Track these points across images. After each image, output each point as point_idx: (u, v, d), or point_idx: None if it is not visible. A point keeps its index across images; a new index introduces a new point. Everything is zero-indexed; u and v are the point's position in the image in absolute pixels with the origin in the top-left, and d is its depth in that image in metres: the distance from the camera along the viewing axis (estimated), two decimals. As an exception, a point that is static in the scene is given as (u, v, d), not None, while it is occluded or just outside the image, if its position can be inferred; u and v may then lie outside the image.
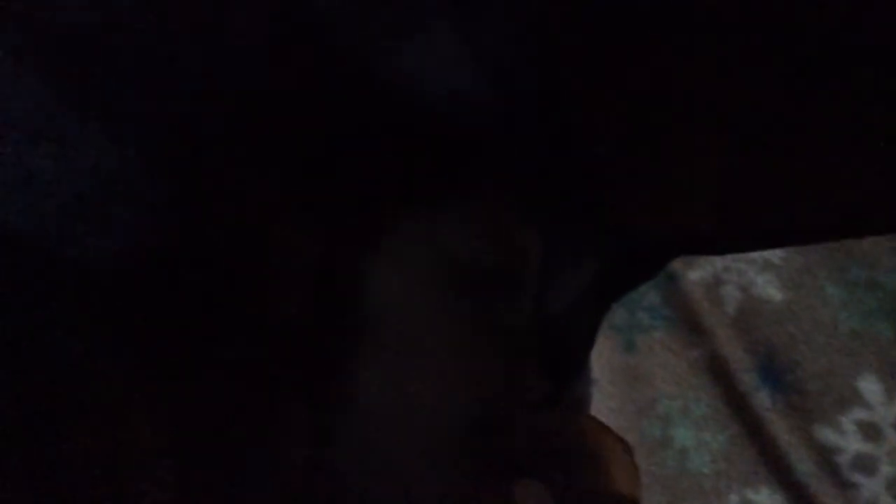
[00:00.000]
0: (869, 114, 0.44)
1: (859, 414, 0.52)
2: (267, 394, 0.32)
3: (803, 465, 0.51)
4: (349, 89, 0.32)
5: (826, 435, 0.52)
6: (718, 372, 0.55)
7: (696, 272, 0.56)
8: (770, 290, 0.55)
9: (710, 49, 0.42)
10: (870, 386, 0.52)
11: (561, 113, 0.42)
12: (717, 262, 0.56)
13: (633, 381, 0.55)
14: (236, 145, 0.29)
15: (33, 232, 0.24)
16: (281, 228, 0.32)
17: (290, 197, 0.32)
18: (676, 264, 0.57)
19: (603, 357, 0.55)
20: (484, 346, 0.39)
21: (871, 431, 0.51)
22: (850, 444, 0.51)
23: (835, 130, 0.47)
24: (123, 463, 0.26)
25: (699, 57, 0.43)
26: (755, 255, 0.56)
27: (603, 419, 0.54)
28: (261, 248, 0.31)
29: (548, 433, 0.41)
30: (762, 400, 0.53)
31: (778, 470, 0.52)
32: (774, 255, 0.55)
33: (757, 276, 0.55)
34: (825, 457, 0.51)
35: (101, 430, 0.25)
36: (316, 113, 0.31)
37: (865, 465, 0.51)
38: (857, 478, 0.51)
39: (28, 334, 0.24)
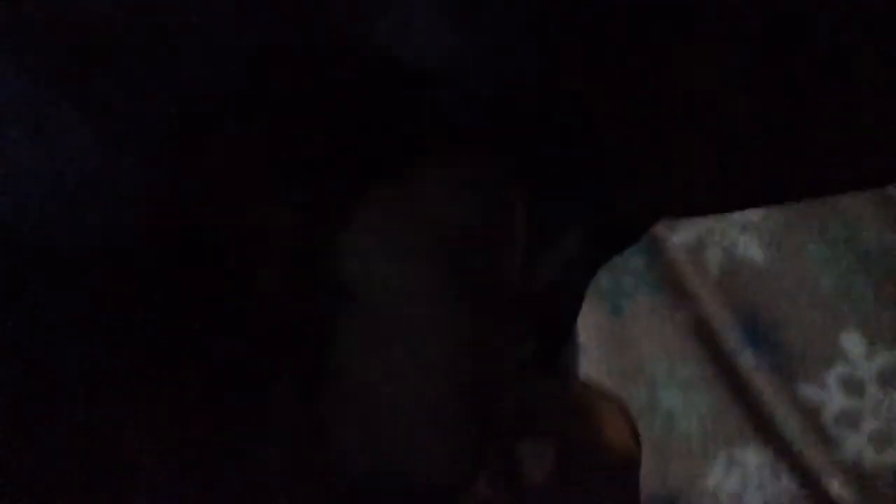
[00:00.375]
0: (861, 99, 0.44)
1: (842, 370, 0.52)
2: (252, 371, 0.31)
3: (788, 422, 0.52)
4: (324, 56, 0.31)
5: (810, 392, 0.52)
6: (703, 334, 0.55)
7: (680, 235, 0.56)
8: (752, 250, 0.55)
9: (708, 34, 0.42)
10: (852, 342, 0.52)
11: (550, 78, 0.42)
12: (700, 224, 0.56)
13: (620, 345, 0.55)
14: (212, 122, 0.28)
15: (12, 220, 0.24)
16: (257, 202, 0.31)
17: (264, 169, 0.31)
18: (659, 228, 0.57)
19: (589, 322, 0.55)
20: (471, 304, 0.38)
21: (853, 387, 0.52)
22: (834, 399, 0.52)
23: (826, 114, 0.47)
24: (110, 447, 0.25)
25: (697, 41, 0.43)
26: (736, 215, 0.56)
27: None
28: (239, 225, 0.31)
29: (546, 396, 0.41)
30: (747, 360, 0.53)
31: (764, 428, 0.53)
32: (755, 214, 0.55)
33: (738, 237, 0.56)
34: (809, 414, 0.52)
35: (80, 415, 0.25)
36: (287, 81, 0.30)
37: (849, 420, 0.52)
38: (842, 433, 0.52)
39: (3, 322, 0.24)
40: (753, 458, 0.52)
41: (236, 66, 0.28)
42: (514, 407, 0.42)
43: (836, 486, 0.50)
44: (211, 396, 0.30)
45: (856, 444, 0.51)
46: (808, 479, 0.51)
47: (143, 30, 0.24)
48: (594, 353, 0.54)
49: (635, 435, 0.49)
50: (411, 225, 0.37)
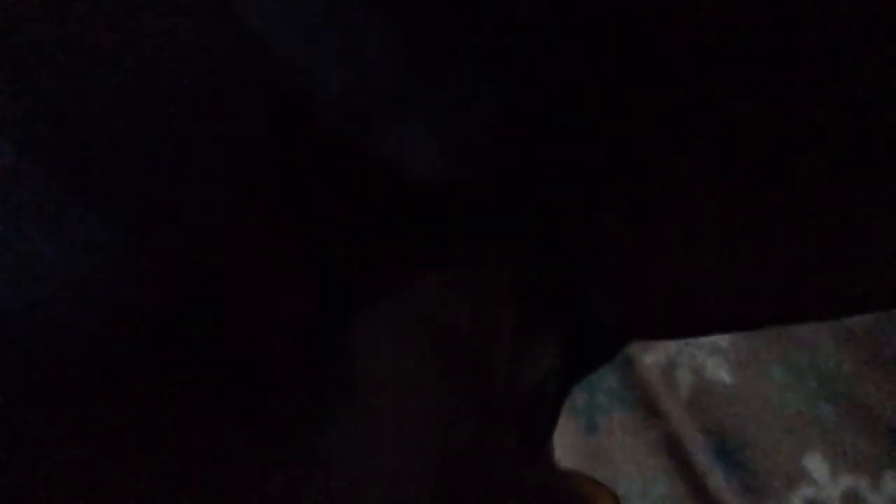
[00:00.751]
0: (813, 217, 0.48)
1: (807, 491, 0.54)
2: (243, 449, 0.32)
3: (759, 543, 0.53)
4: (333, 162, 0.33)
5: (778, 513, 0.54)
6: (674, 452, 0.57)
7: (651, 356, 0.60)
8: (720, 373, 0.58)
9: (683, 159, 0.47)
10: (815, 464, 0.55)
11: (532, 199, 0.46)
12: (671, 347, 0.60)
13: (595, 461, 0.57)
14: (225, 218, 0.30)
15: (24, 313, 0.25)
16: (267, 294, 0.33)
17: (276, 263, 0.33)
18: (632, 348, 0.60)
19: (565, 438, 0.58)
20: (460, 412, 0.41)
21: (819, 509, 0.54)
22: (802, 521, 0.54)
23: (781, 238, 0.51)
24: None
25: (667, 165, 0.47)
26: (704, 340, 0.59)
27: (565, 499, 0.56)
28: (246, 314, 0.32)
29: (541, 487, 0.42)
30: (717, 479, 0.55)
31: (735, 548, 0.54)
32: (723, 339, 0.59)
33: (707, 360, 0.59)
34: (779, 535, 0.54)
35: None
36: (300, 184, 0.33)
37: (817, 542, 0.53)
38: (810, 555, 0.53)
39: (19, 423, 0.25)
40: (725, 578, 0.54)
41: (241, 158, 0.29)
42: (509, 497, 0.44)
43: None
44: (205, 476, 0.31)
45: (824, 567, 0.52)
46: None
47: (152, 121, 0.26)
48: (569, 468, 0.56)
49: None
50: (414, 325, 0.39)
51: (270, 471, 0.34)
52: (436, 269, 0.41)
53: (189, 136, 0.28)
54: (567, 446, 0.57)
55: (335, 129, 0.33)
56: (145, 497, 0.28)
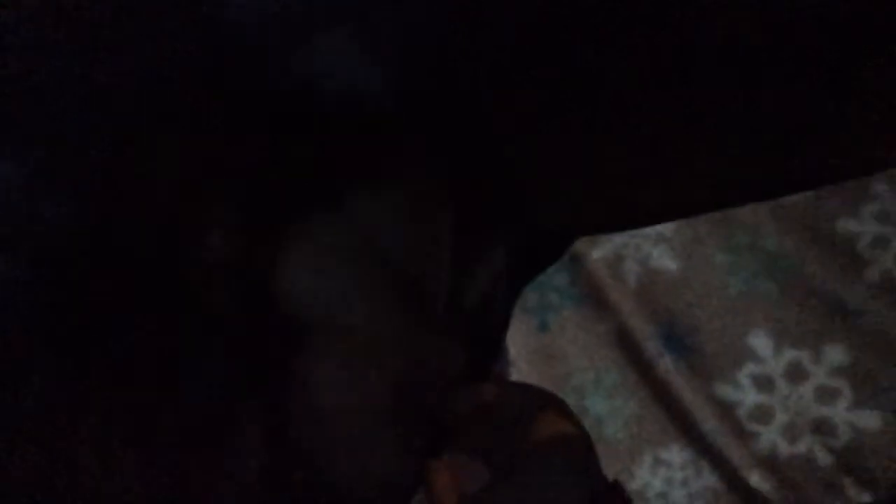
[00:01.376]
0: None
1: (752, 368, 0.56)
2: (217, 389, 0.32)
3: (707, 421, 0.55)
4: (256, 83, 0.32)
5: (725, 391, 0.56)
6: (625, 343, 0.58)
7: (599, 251, 0.60)
8: (665, 261, 0.59)
9: (613, 57, 0.45)
10: (760, 341, 0.56)
11: (468, 104, 0.44)
12: (617, 240, 0.60)
13: (549, 358, 0.58)
14: (140, 146, 0.29)
15: None
16: (192, 225, 0.32)
17: (199, 192, 0.32)
18: (580, 245, 0.60)
19: (518, 338, 0.58)
20: (406, 319, 0.40)
21: (764, 383, 0.56)
22: (747, 396, 0.56)
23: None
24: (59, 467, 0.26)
25: (603, 60, 0.46)
26: (650, 230, 0.59)
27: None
28: (173, 246, 0.31)
29: (478, 401, 0.43)
30: (666, 365, 0.57)
31: (685, 429, 0.56)
32: (667, 229, 0.59)
33: (653, 250, 0.59)
34: (725, 411, 0.56)
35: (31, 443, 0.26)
36: (222, 107, 0.31)
37: (762, 414, 0.55)
38: (756, 427, 0.55)
39: None
40: (677, 457, 0.56)
41: (159, 86, 0.28)
42: (446, 417, 0.44)
43: (754, 477, 0.54)
44: (178, 416, 0.30)
45: (770, 438, 0.55)
46: (728, 474, 0.54)
47: (70, 55, 0.25)
48: (524, 367, 0.57)
49: (573, 422, 0.51)
50: (348, 246, 0.38)
51: (247, 404, 0.33)
52: (369, 187, 0.40)
53: (103, 58, 0.26)
54: (520, 346, 0.58)
55: (255, 47, 0.31)
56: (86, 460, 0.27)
